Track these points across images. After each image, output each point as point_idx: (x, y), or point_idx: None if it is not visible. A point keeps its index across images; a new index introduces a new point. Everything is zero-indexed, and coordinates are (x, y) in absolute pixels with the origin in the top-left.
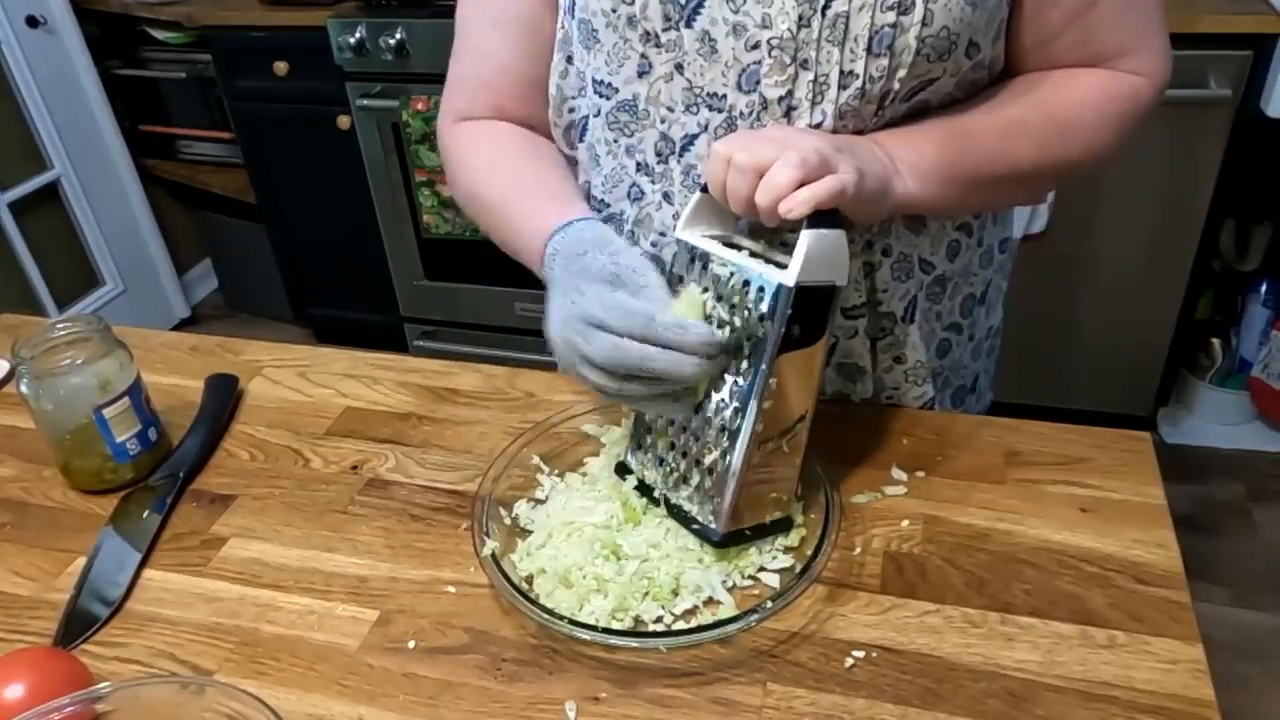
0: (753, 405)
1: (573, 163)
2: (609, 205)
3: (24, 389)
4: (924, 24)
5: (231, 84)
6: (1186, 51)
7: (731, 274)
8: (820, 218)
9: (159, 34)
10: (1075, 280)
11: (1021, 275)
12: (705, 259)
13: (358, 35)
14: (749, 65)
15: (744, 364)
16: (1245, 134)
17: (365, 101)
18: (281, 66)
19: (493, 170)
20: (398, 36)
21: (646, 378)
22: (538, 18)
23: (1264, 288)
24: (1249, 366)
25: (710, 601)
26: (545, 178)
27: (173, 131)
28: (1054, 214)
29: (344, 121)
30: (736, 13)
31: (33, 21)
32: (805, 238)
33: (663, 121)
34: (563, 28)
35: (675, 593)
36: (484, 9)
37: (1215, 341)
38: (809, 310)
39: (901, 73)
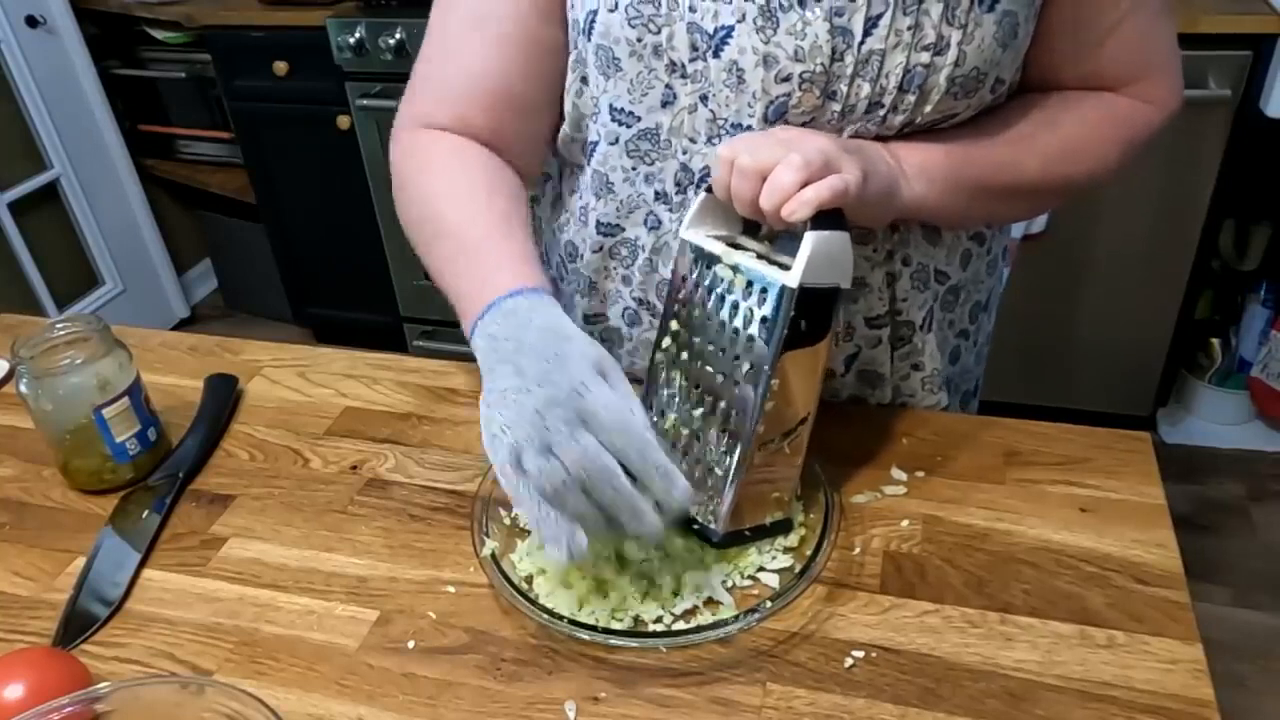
0: (756, 406)
1: (571, 175)
2: (623, 229)
3: (23, 389)
4: (956, 64)
5: (231, 84)
6: (1186, 51)
7: (735, 275)
8: (824, 219)
9: (158, 34)
10: (1075, 280)
11: (1021, 275)
12: (709, 260)
13: (357, 35)
14: (778, 97)
15: (746, 365)
16: (1245, 134)
17: (365, 101)
18: (281, 66)
19: (449, 193)
20: (397, 36)
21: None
22: (527, 30)
23: (1263, 288)
24: (1249, 366)
25: (710, 601)
26: (502, 225)
27: (172, 131)
28: (1054, 214)
29: (344, 121)
30: (767, 43)
31: (32, 21)
32: (808, 239)
33: (684, 153)
34: (576, 47)
35: (676, 593)
36: (467, 10)
37: (1215, 341)
38: (812, 311)
39: (927, 108)
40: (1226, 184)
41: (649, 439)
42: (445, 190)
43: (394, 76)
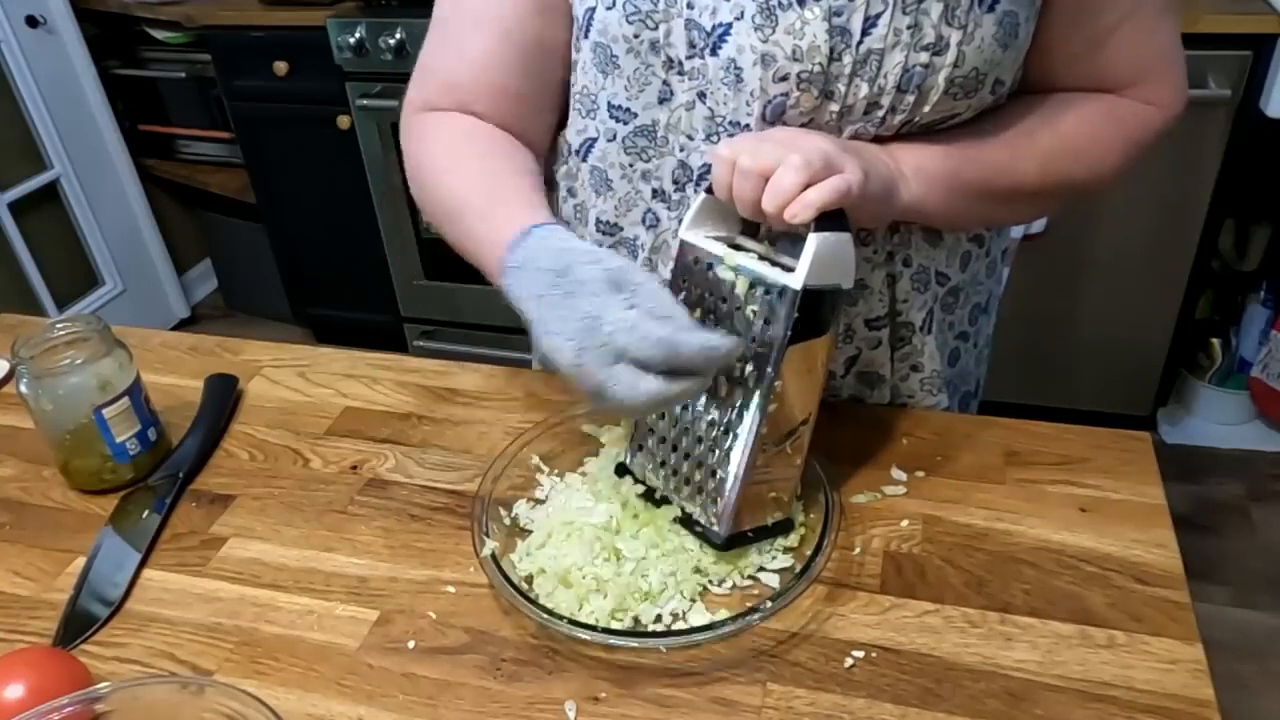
0: (756, 408)
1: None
2: (621, 229)
3: (24, 389)
4: (955, 65)
5: (231, 84)
6: (1186, 51)
7: (736, 277)
8: (826, 220)
9: (158, 34)
10: (1075, 280)
11: (1021, 275)
12: (710, 261)
13: (357, 35)
14: (776, 97)
15: (748, 366)
16: (1245, 134)
17: (365, 101)
18: (281, 66)
19: (457, 165)
20: (398, 36)
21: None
22: (527, 29)
23: (1263, 288)
24: (1249, 366)
25: (708, 597)
26: (510, 179)
27: (172, 131)
28: (1054, 214)
29: (344, 121)
30: (765, 42)
31: (32, 21)
32: (812, 241)
33: (681, 150)
34: (578, 45)
35: (662, 591)
36: (468, 7)
37: (1215, 341)
38: (814, 312)
39: (925, 109)
40: (1226, 184)
41: (670, 339)
42: (452, 165)
43: (394, 76)
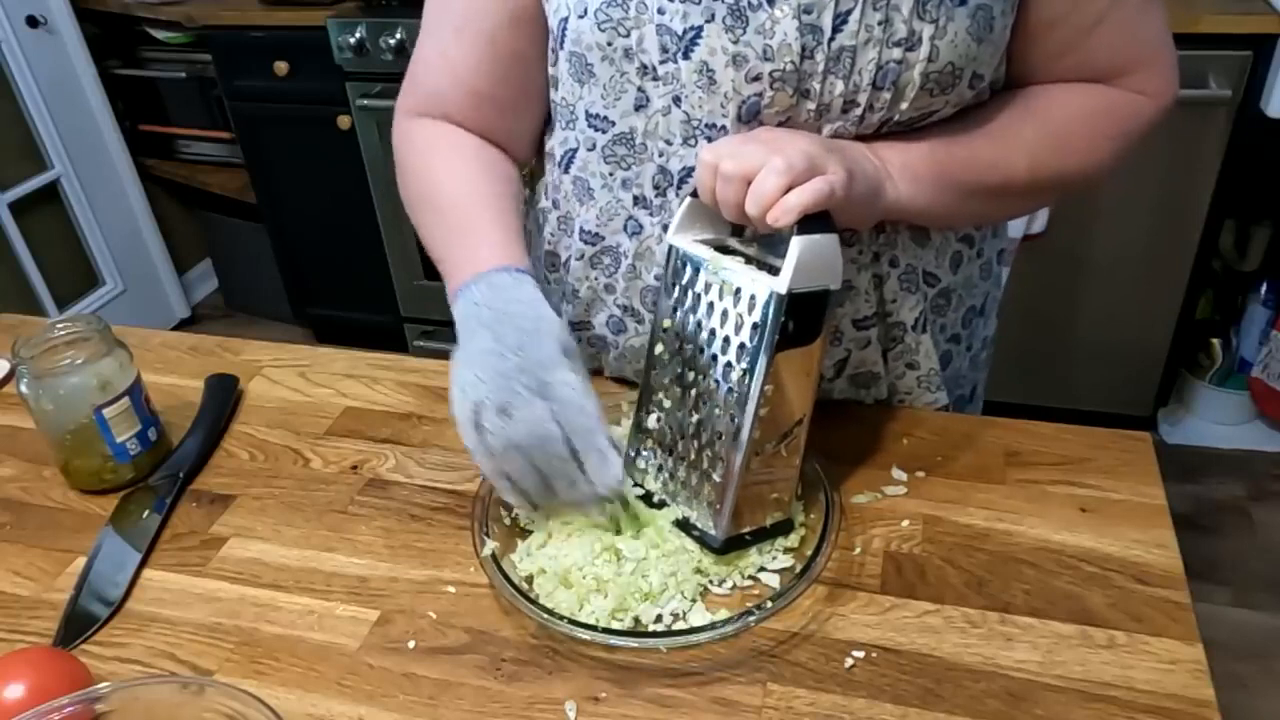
0: (749, 412)
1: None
2: (603, 239)
3: (24, 389)
4: (929, 60)
5: (231, 84)
6: (1186, 51)
7: (723, 282)
8: (811, 221)
9: (159, 34)
10: (1075, 280)
11: (1021, 275)
12: (697, 266)
13: (358, 35)
14: (749, 97)
15: (739, 371)
16: (1245, 134)
17: (365, 101)
18: (281, 66)
19: (445, 172)
20: (398, 36)
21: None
22: (506, 38)
23: (1264, 288)
24: (1249, 366)
25: (708, 597)
26: (493, 201)
27: (172, 131)
28: (1054, 214)
29: (344, 121)
30: (736, 43)
31: (33, 21)
32: (795, 244)
33: (661, 155)
34: (555, 56)
35: (663, 591)
36: (451, 14)
37: (1215, 341)
38: (803, 315)
39: (903, 105)
40: (1227, 184)
41: (597, 424)
42: (441, 168)
43: (394, 76)
